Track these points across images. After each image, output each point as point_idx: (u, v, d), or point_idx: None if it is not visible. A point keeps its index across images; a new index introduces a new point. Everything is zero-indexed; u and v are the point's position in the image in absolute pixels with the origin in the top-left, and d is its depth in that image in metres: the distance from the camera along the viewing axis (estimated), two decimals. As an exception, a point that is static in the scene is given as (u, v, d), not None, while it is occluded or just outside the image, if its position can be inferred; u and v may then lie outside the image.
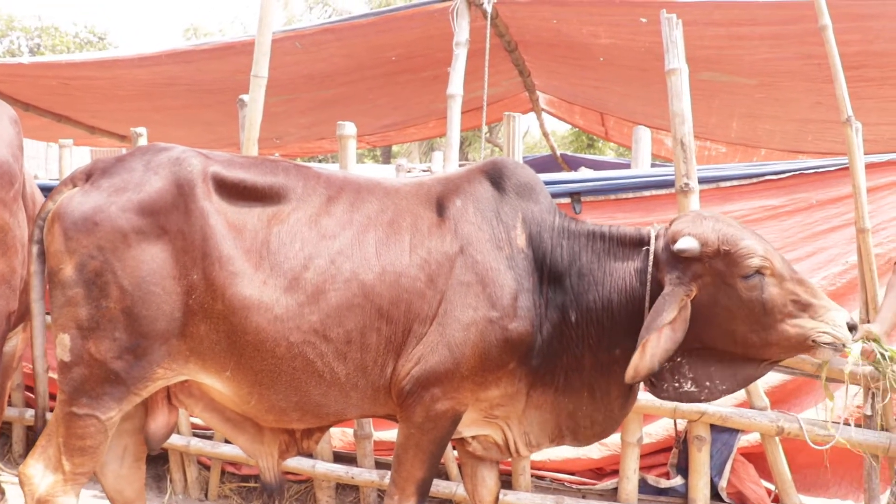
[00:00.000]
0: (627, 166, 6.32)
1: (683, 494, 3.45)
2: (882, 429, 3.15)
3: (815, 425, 3.14)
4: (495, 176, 2.60)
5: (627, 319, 2.42)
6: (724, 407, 3.27)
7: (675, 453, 3.50)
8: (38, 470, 2.34)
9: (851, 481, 3.49)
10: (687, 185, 3.11)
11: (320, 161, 16.41)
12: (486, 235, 2.48)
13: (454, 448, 3.29)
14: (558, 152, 10.34)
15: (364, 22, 5.38)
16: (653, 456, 3.64)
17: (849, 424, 2.92)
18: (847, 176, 3.29)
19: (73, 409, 2.30)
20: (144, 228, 2.28)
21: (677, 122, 3.13)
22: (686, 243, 2.30)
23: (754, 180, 3.64)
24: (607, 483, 3.58)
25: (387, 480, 2.87)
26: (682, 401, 2.54)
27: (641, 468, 3.48)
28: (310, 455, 3.75)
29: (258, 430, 2.62)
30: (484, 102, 5.11)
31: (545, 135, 9.46)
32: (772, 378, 3.41)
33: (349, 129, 3.66)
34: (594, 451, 3.60)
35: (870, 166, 3.37)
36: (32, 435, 3.46)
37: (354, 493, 3.92)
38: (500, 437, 2.66)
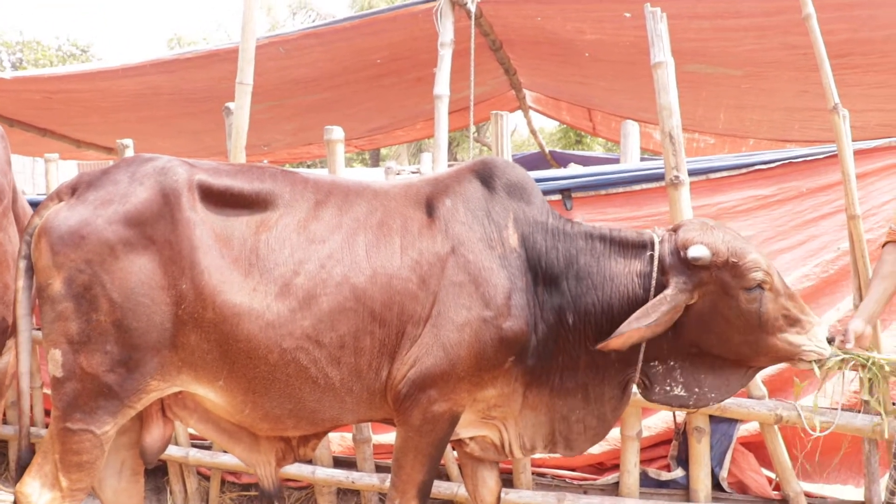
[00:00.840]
0: (616, 161, 6.31)
1: (685, 486, 3.46)
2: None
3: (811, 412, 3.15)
4: (485, 175, 2.59)
5: None
6: (721, 397, 3.28)
7: (675, 445, 3.49)
8: (35, 488, 2.31)
9: (851, 466, 3.50)
10: (677, 177, 3.11)
11: (309, 166, 16.39)
12: (477, 235, 2.47)
13: (454, 449, 3.28)
14: (547, 149, 10.36)
15: (347, 25, 5.36)
16: (653, 449, 3.64)
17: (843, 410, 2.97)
18: (835, 163, 3.30)
19: (67, 425, 2.28)
20: (132, 239, 2.26)
21: (665, 116, 3.13)
22: (700, 251, 2.33)
23: (743, 171, 3.64)
24: (608, 478, 3.58)
25: (388, 484, 2.86)
26: (671, 405, 2.58)
27: (642, 461, 3.48)
28: (310, 461, 3.73)
29: (254, 439, 2.60)
30: (471, 102, 5.11)
31: (533, 132, 9.44)
32: (769, 367, 3.41)
33: (337, 133, 3.63)
34: (594, 447, 3.59)
35: (858, 153, 3.38)
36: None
37: (356, 498, 3.91)
38: (497, 438, 2.66)
